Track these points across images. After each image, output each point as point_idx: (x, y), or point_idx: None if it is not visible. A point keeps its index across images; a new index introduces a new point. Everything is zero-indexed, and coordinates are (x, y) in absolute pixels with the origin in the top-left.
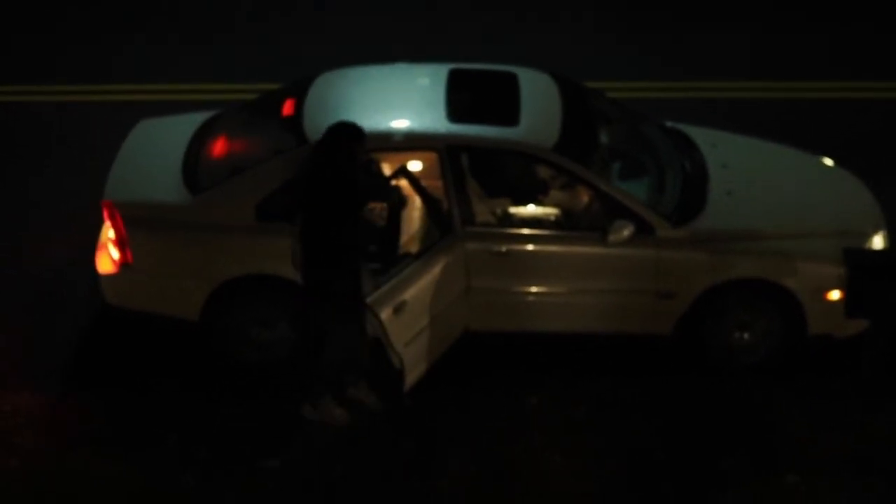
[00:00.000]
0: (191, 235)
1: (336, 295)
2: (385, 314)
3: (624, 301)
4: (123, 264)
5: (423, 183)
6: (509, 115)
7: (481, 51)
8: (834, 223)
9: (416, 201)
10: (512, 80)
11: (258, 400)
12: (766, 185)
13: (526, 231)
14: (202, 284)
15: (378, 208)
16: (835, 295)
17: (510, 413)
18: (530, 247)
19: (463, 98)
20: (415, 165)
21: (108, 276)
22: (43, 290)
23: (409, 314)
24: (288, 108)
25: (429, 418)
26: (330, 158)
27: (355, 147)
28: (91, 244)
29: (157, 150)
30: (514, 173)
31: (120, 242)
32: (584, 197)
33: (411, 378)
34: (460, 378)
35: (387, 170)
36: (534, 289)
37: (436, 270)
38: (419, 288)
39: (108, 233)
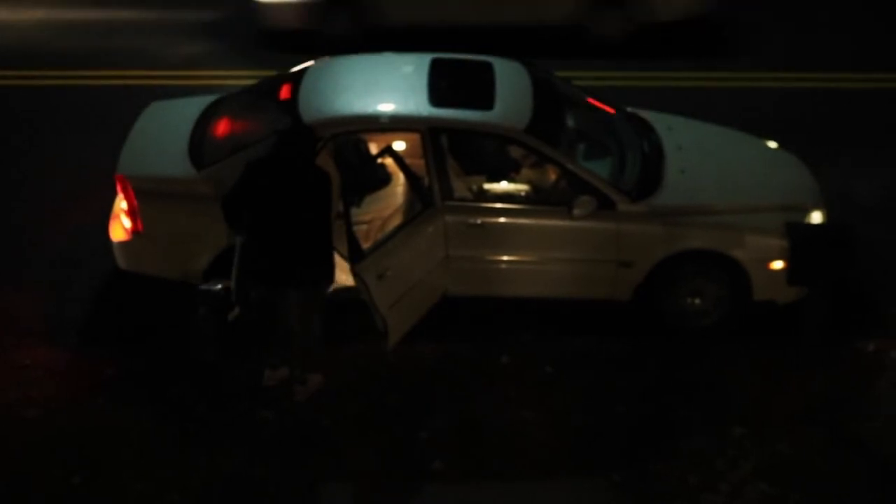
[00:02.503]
0: (196, 206)
1: (304, 283)
2: (371, 280)
3: (587, 269)
4: (135, 233)
5: (407, 161)
6: (485, 100)
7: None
8: (777, 199)
9: (401, 178)
10: (488, 68)
11: (256, 355)
12: (717, 165)
13: (499, 205)
14: (206, 251)
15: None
16: (778, 265)
17: (484, 370)
18: (503, 219)
19: (444, 84)
20: (399, 145)
21: (121, 244)
22: (61, 254)
23: (392, 280)
24: (285, 92)
25: (410, 374)
26: (297, 153)
27: (314, 145)
28: (105, 214)
29: (166, 128)
30: (489, 153)
31: (132, 213)
32: (552, 174)
33: (394, 338)
34: (439, 338)
35: (374, 149)
36: (506, 257)
37: (418, 240)
38: (402, 256)
39: (121, 204)
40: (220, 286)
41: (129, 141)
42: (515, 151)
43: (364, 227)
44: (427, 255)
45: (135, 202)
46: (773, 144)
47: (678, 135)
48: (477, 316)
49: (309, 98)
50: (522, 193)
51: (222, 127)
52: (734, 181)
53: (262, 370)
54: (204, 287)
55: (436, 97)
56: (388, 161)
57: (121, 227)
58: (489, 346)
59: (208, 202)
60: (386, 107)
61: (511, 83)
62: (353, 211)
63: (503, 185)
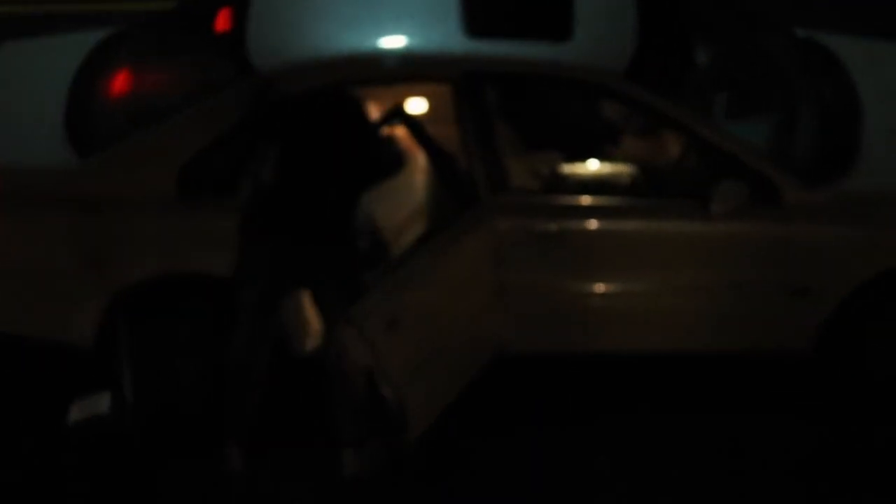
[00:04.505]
0: (79, 217)
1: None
2: (376, 331)
3: (738, 302)
4: None
5: (430, 130)
6: (557, 24)
7: None
8: None
9: (420, 159)
10: None
11: (184, 461)
12: None
13: (587, 200)
14: (97, 291)
15: None
16: None
17: (568, 477)
18: (594, 223)
19: (487, 1)
20: (417, 104)
21: None
22: None
23: (412, 330)
24: (223, 19)
25: (448, 488)
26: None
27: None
28: None
29: (26, 87)
30: (566, 113)
31: None
32: (674, 147)
33: (419, 425)
34: (492, 426)
35: (374, 112)
36: (600, 287)
37: (450, 263)
38: (426, 291)
39: None
40: (105, 401)
41: None
42: (611, 110)
43: None
44: (467, 287)
45: None
46: None
47: (885, 73)
48: (552, 386)
49: (263, 29)
50: (625, 179)
51: (121, 83)
52: None
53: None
54: (76, 416)
55: (475, 22)
56: (400, 132)
57: None
58: (576, 439)
59: (100, 209)
60: (392, 40)
61: None
62: None
63: (592, 167)
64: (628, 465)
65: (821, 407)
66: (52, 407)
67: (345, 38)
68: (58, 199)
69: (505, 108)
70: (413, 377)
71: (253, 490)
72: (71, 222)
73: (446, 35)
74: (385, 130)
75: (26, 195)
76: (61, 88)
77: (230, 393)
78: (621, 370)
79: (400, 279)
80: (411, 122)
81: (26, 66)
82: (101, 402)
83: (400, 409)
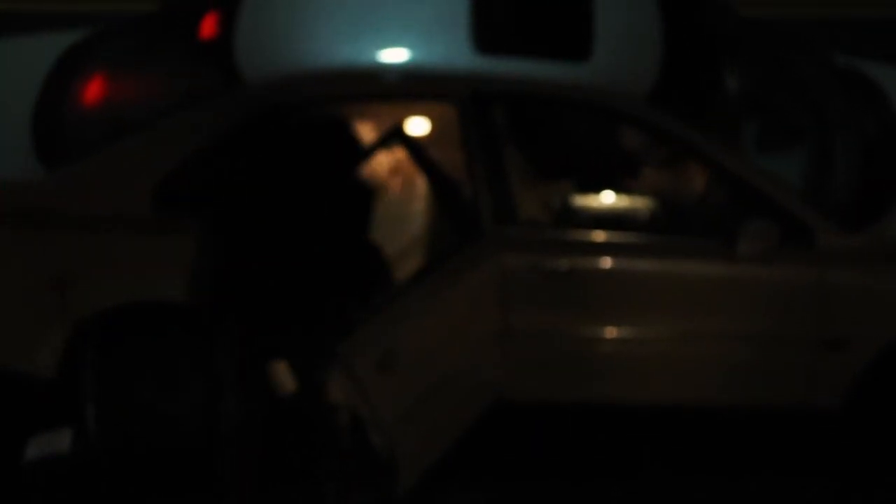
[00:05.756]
0: (44, 236)
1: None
2: (365, 371)
3: (762, 353)
4: None
5: (432, 154)
6: (575, 42)
7: None
8: None
9: (419, 186)
10: None
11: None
12: None
13: (601, 236)
14: (61, 317)
15: None
16: None
17: None
18: (608, 262)
19: (498, 14)
20: (418, 125)
21: None
22: None
23: (404, 373)
24: (209, 25)
25: None
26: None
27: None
28: None
29: None
30: (582, 140)
31: None
32: (698, 180)
33: (410, 475)
34: (489, 476)
35: (370, 135)
36: (613, 332)
37: (449, 300)
38: (423, 328)
39: None
40: (66, 438)
41: None
42: (631, 137)
43: None
44: (467, 326)
45: None
46: None
47: None
48: (555, 438)
49: (252, 36)
50: (644, 215)
51: (94, 91)
52: None
53: None
54: (33, 454)
55: (484, 36)
56: (398, 156)
57: None
58: (581, 495)
59: (67, 228)
60: (392, 54)
61: (623, 11)
62: None
63: (608, 200)
64: None
65: (839, 465)
66: (5, 445)
67: (342, 49)
68: (21, 215)
69: (514, 131)
70: (404, 423)
71: None
72: (35, 241)
73: (453, 49)
74: (382, 153)
75: None
76: (28, 94)
77: (225, 436)
78: (632, 423)
79: (393, 316)
80: (411, 144)
81: None
82: (62, 440)
83: (389, 458)
